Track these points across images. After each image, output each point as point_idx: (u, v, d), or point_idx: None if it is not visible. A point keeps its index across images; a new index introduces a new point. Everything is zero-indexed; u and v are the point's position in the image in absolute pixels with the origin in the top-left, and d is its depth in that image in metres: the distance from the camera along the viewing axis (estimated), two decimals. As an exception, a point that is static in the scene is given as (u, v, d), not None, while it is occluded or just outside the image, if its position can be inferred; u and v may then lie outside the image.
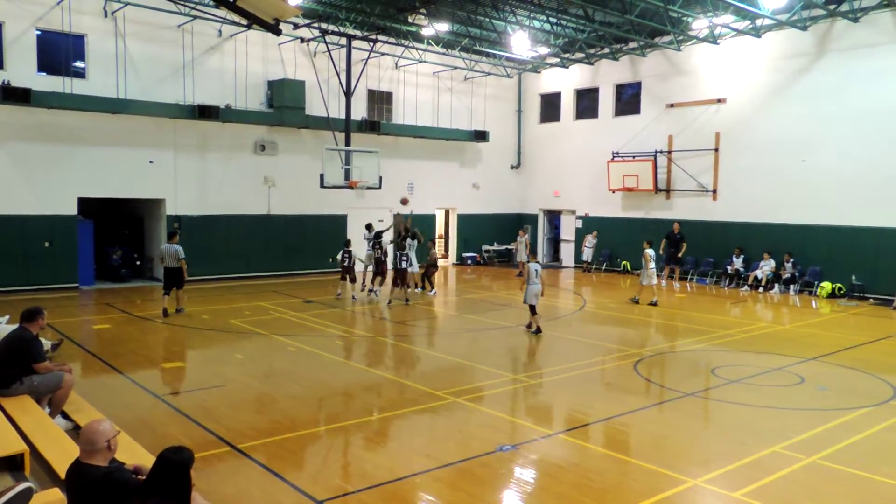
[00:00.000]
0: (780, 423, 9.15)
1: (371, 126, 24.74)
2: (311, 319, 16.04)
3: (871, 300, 19.59)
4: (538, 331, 14.58)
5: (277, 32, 10.94)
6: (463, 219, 29.24)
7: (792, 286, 21.05)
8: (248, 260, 23.01)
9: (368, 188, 22.08)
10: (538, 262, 15.29)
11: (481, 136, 28.14)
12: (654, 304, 18.57)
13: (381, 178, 22.01)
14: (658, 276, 24.53)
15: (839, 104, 20.46)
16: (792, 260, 21.19)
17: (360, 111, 24.90)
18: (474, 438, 8.40)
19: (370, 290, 19.40)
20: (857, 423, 8.98)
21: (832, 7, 19.84)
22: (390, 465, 7.57)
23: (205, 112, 20.94)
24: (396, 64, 26.13)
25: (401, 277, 18.48)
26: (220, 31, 21.68)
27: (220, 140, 22.24)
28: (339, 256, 19.27)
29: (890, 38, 19.50)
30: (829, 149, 20.68)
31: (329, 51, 22.50)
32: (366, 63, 23.89)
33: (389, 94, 26.44)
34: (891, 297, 18.84)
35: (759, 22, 21.51)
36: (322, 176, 20.83)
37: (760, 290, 21.32)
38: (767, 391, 10.80)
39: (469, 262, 28.98)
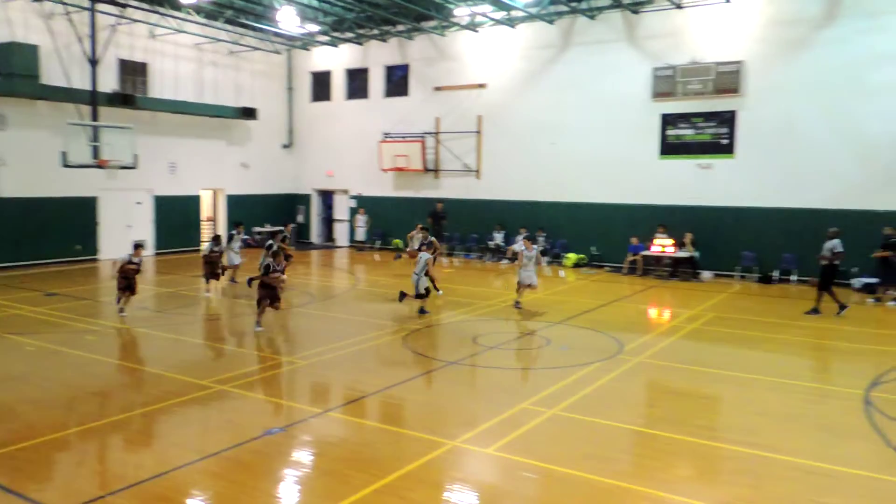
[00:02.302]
0: (530, 382, 10.14)
1: (124, 100, 22.62)
2: (54, 314, 14.43)
3: (607, 268, 22.30)
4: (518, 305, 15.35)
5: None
6: (232, 200, 28.05)
7: (544, 258, 23.23)
8: (-26, 250, 20.01)
9: (122, 167, 20.28)
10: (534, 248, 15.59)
11: (250, 113, 27.11)
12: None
13: (136, 156, 20.33)
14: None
15: (581, 93, 22.83)
16: (544, 234, 23.36)
17: (109, 83, 22.65)
18: (242, 426, 8.23)
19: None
20: (590, 376, 10.25)
21: (573, 4, 21.98)
22: (152, 462, 7.16)
23: None
24: (152, 33, 24.13)
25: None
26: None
27: (-68, 110, 18.98)
28: (206, 249, 17.41)
29: (620, 35, 22.12)
30: (573, 133, 23.03)
31: (68, 13, 20.12)
32: (114, 30, 21.76)
33: (144, 66, 24.37)
34: (620, 265, 21.59)
35: (513, 13, 23.18)
36: (64, 154, 18.70)
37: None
38: (520, 354, 11.90)
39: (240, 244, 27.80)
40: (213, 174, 27.08)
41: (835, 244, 15.15)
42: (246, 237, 20.38)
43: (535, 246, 15.85)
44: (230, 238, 19.15)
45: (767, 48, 19.86)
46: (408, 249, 21.90)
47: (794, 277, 19.62)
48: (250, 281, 15.84)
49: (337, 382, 10.31)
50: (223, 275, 17.98)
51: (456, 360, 11.32)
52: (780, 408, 9.06)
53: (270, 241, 17.54)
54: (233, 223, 21.74)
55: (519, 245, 15.84)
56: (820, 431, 8.23)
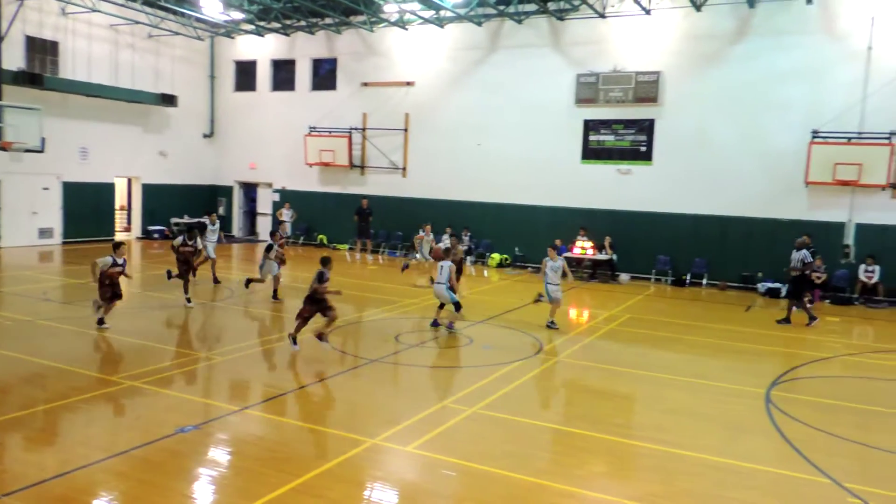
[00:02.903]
0: (451, 381, 10.20)
1: (31, 79, 21.39)
2: (-50, 305, 13.50)
3: (530, 269, 22.71)
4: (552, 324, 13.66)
5: None
6: (149, 189, 26.97)
7: (469, 257, 23.43)
8: None
9: (28, 150, 19.16)
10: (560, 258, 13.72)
11: (169, 100, 26.14)
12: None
13: (43, 139, 19.28)
14: (350, 249, 25.53)
15: (507, 96, 23.15)
16: (469, 234, 23.55)
17: (15, 60, 21.35)
18: (153, 423, 7.91)
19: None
20: (510, 375, 10.40)
21: (501, 7, 22.25)
22: (54, 462, 6.79)
23: None
24: (63, 10, 22.89)
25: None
26: None
27: None
28: (178, 242, 14.96)
29: (546, 41, 22.56)
30: (498, 135, 23.32)
31: (-29, -16, 18.85)
32: (22, 4, 20.52)
33: (55, 44, 23.10)
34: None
35: (442, 13, 23.25)
36: (-37, 134, 17.52)
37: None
38: (443, 352, 11.94)
39: (156, 235, 26.88)
40: (129, 161, 25.98)
41: (804, 255, 15.05)
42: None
43: (560, 257, 13.83)
44: (202, 228, 17.39)
45: (683, 60, 20.70)
46: (417, 256, 20.67)
47: (704, 281, 20.52)
48: (248, 282, 15.71)
49: (256, 379, 10.07)
50: (198, 274, 15.98)
51: (378, 358, 11.25)
52: (690, 406, 9.45)
53: (271, 243, 15.58)
54: (204, 211, 21.03)
55: (553, 264, 13.54)
56: (726, 429, 8.63)
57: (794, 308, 15.19)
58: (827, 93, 18.93)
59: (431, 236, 20.13)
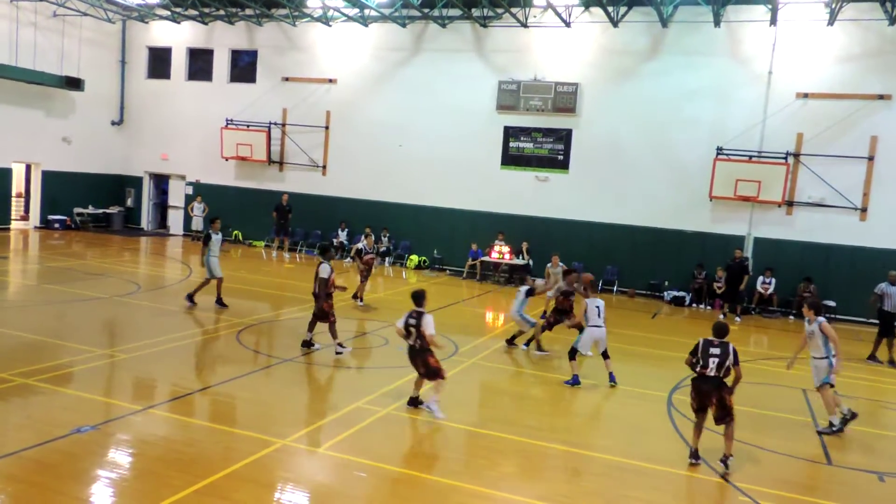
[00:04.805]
0: (365, 381, 10.14)
1: (-80, 53, 19.84)
2: None
3: (448, 271, 22.86)
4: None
5: None
6: (50, 176, 25.48)
7: (387, 258, 23.37)
8: None
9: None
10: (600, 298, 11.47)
11: (75, 83, 24.78)
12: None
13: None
14: (267, 246, 24.99)
15: (430, 98, 23.23)
16: (388, 234, 23.48)
17: None
18: (47, 423, 7.48)
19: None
20: (425, 376, 10.43)
21: (426, 10, 22.33)
22: (-71, 465, 6.31)
23: None
24: (-40, -19, 21.36)
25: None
26: None
27: None
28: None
29: (469, 46, 22.79)
30: (420, 137, 23.37)
31: None
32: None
33: (-52, 17, 21.52)
34: (461, 269, 22.24)
35: (367, 12, 23.10)
36: None
37: (350, 261, 23.18)
38: (357, 353, 11.85)
39: (57, 225, 25.43)
40: (28, 146, 24.45)
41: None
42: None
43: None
44: (206, 239, 14.32)
45: (601, 74, 21.38)
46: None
47: (615, 288, 21.24)
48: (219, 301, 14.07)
49: (162, 378, 9.68)
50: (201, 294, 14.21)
51: (291, 358, 11.05)
52: (598, 409, 9.77)
53: (208, 233, 14.27)
54: (208, 219, 16.46)
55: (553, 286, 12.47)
56: (630, 431, 8.96)
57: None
58: (731, 112, 19.99)
59: (559, 268, 16.09)
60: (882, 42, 18.57)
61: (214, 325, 12.81)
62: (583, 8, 20.86)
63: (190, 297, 14.13)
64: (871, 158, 18.75)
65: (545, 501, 6.58)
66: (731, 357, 7.62)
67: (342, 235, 24.17)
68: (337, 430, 7.89)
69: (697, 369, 7.72)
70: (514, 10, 21.03)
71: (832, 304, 18.46)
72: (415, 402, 8.82)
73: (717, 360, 7.59)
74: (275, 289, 17.41)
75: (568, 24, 21.21)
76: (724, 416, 7.62)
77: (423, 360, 8.72)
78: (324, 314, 11.45)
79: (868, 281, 18.65)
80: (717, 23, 19.57)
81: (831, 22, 18.71)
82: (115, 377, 9.70)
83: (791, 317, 18.85)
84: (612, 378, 10.81)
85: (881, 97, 18.58)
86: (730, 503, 7.02)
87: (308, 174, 25.25)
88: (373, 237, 18.36)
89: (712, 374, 7.58)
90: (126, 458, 6.95)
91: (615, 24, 20.60)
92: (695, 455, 7.77)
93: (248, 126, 25.40)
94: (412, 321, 8.79)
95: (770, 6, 18.99)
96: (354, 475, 6.92)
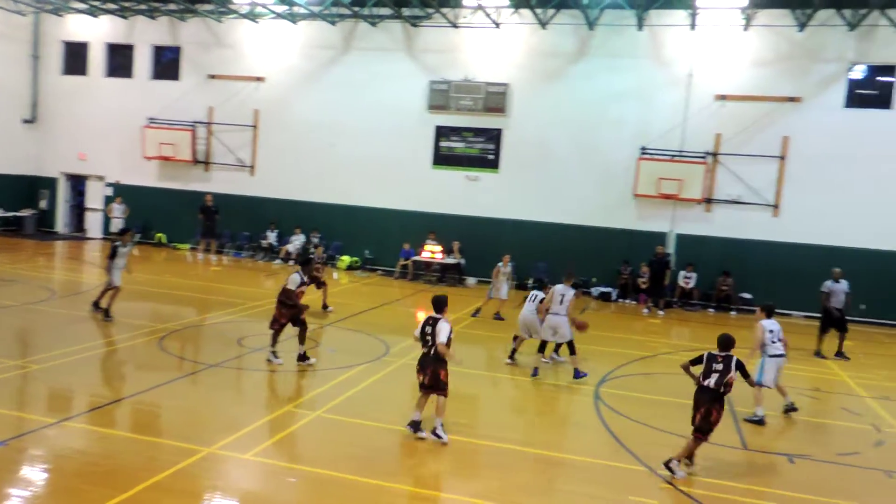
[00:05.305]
0: (295, 385, 9.97)
1: None
2: None
3: (380, 272, 22.74)
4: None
5: None
6: (-45, 177, 24.04)
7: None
8: None
9: None
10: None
11: (-18, 79, 23.45)
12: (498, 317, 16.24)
13: None
14: (193, 249, 24.25)
15: (360, 97, 23.03)
16: (319, 235, 23.17)
17: None
18: (-49, 440, 7.05)
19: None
20: (355, 378, 10.35)
21: (356, 9, 22.14)
22: None
23: None
24: None
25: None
26: None
27: None
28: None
29: (400, 45, 22.72)
30: (351, 136, 23.13)
31: None
32: None
33: None
34: (393, 269, 22.16)
35: (295, 9, 22.72)
36: None
37: (291, 262, 22.79)
38: (287, 356, 11.61)
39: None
40: (-71, 146, 23.00)
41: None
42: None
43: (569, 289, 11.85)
44: (113, 252, 13.31)
45: (530, 74, 21.69)
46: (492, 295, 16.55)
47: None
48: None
49: (79, 388, 9.25)
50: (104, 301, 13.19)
51: (218, 363, 10.76)
52: (529, 405, 9.91)
53: (116, 244, 13.38)
54: (120, 231, 15.21)
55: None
56: (561, 425, 9.14)
57: None
58: (654, 113, 20.62)
59: (510, 267, 16.97)
60: (792, 47, 19.53)
61: (134, 333, 12.33)
62: (512, 9, 21.11)
63: (96, 305, 13.26)
64: (782, 158, 19.70)
65: (477, 498, 6.62)
66: (732, 371, 7.59)
67: (271, 236, 23.71)
68: (265, 436, 7.73)
69: (700, 381, 7.68)
70: (444, 10, 21.10)
71: (749, 296, 19.33)
72: (416, 427, 8.10)
73: (717, 375, 7.60)
74: (201, 292, 16.92)
75: (497, 25, 21.43)
76: (706, 428, 7.55)
77: (434, 370, 8.11)
78: (275, 319, 11.04)
79: (781, 273, 19.64)
80: (640, 26, 20.16)
81: (747, 27, 19.58)
82: (27, 390, 9.21)
83: (711, 309, 19.63)
84: (535, 372, 11.21)
85: (791, 99, 19.55)
86: (651, 491, 7.21)
87: (236, 174, 24.64)
88: (322, 247, 17.96)
89: (711, 386, 7.58)
90: (39, 474, 6.61)
91: (543, 25, 20.94)
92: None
93: (171, 125, 24.57)
94: (428, 328, 8.21)
95: (690, 11, 19.69)
96: (284, 481, 6.79)
